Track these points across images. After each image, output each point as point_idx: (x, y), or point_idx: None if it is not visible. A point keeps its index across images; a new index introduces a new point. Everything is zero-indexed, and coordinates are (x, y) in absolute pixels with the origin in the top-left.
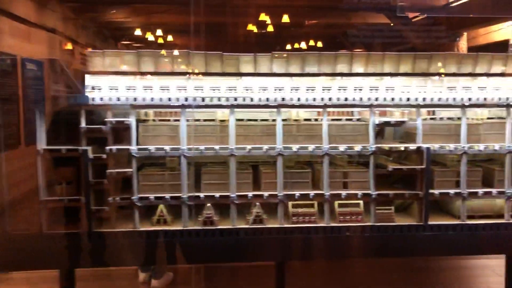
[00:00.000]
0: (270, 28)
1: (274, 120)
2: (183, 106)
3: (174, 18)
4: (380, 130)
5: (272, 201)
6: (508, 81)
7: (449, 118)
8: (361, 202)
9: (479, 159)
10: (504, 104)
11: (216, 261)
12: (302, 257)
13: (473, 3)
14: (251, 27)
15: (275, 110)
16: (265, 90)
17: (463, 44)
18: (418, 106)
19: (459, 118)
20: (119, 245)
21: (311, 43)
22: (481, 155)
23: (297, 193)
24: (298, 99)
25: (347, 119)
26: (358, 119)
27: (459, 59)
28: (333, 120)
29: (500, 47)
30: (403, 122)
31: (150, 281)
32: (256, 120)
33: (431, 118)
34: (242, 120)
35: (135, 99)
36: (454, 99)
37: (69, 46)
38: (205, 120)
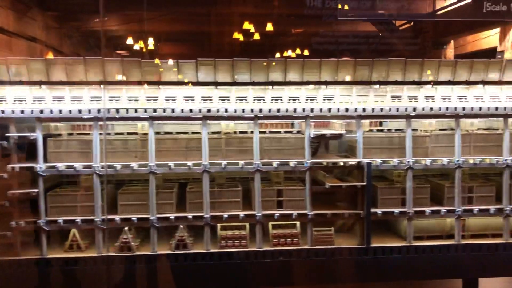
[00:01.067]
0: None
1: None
2: (95, 119)
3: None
4: (326, 143)
5: (198, 223)
6: (458, 90)
7: (397, 130)
8: (297, 223)
9: (432, 174)
10: (453, 114)
11: None
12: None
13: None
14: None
15: (200, 122)
16: (190, 100)
17: (450, 51)
18: (358, 117)
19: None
20: (23, 275)
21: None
22: (433, 170)
23: (225, 214)
24: (226, 110)
25: (285, 132)
26: (298, 132)
27: (404, 65)
28: (271, 132)
29: (487, 54)
30: (340, 135)
31: None
32: (187, 133)
33: (378, 130)
34: (170, 133)
35: (41, 112)
36: (398, 109)
37: None
38: (128, 134)
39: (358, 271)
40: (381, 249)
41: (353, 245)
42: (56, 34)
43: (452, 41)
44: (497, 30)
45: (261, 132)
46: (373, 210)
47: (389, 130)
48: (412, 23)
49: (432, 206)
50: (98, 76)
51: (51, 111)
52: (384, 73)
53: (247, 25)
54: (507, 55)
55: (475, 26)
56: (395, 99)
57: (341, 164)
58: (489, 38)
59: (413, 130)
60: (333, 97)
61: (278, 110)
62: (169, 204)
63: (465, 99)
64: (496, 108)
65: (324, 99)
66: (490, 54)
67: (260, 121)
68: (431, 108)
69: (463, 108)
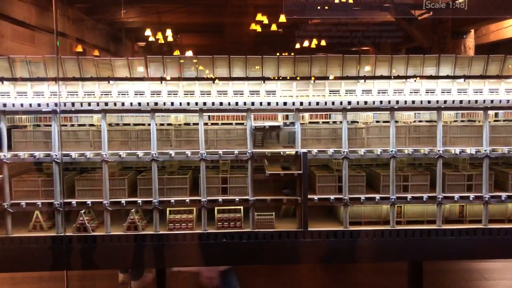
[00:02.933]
0: None
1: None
2: (53, 112)
3: None
4: (277, 134)
5: (148, 207)
6: (394, 84)
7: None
8: (241, 208)
9: (376, 164)
10: (388, 107)
11: (85, 268)
12: (176, 264)
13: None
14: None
15: (149, 114)
16: (141, 94)
17: (470, 41)
18: (297, 111)
19: (353, 122)
20: None
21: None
22: (381, 159)
23: (173, 199)
24: (172, 104)
25: (236, 124)
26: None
27: (341, 61)
28: (223, 124)
29: (510, 43)
30: (277, 126)
31: (130, 282)
32: (143, 124)
33: (324, 122)
34: (128, 124)
35: (4, 105)
36: (333, 103)
37: None
38: (90, 125)
39: (296, 253)
40: (317, 232)
41: (293, 229)
42: (79, 27)
43: (472, 30)
44: None
45: (213, 124)
46: (310, 196)
47: (334, 122)
48: (431, 13)
49: (368, 193)
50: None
51: (13, 105)
52: (323, 69)
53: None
54: None
55: (495, 15)
56: (334, 93)
57: (281, 153)
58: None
59: (354, 122)
60: (275, 91)
61: (221, 104)
62: (121, 190)
63: (402, 93)
64: (429, 102)
65: (267, 94)
66: None
67: (218, 114)
68: (366, 102)
69: (397, 102)
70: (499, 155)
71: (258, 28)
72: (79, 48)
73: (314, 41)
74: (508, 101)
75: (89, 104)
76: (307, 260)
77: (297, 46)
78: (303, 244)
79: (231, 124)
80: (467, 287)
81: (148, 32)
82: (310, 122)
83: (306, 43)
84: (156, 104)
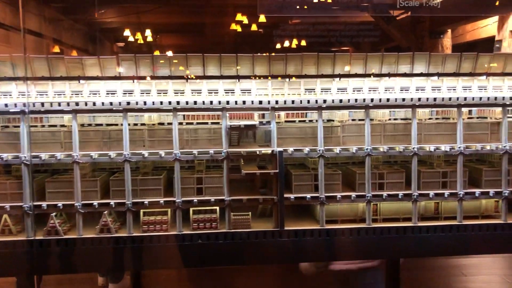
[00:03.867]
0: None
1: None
2: (21, 112)
3: None
4: (253, 133)
5: (121, 209)
6: (369, 82)
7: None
8: (217, 208)
9: (353, 162)
10: (363, 105)
11: (56, 272)
12: (151, 267)
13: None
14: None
15: (121, 114)
16: (112, 94)
17: (447, 41)
18: (272, 109)
19: (329, 121)
20: None
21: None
22: (358, 157)
23: (146, 200)
24: (145, 103)
25: (212, 123)
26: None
27: (316, 60)
28: (198, 124)
29: (486, 43)
30: (253, 125)
31: (108, 285)
32: (116, 124)
33: (300, 121)
34: (101, 125)
35: None
36: (309, 101)
37: None
38: (61, 126)
39: (272, 253)
40: (294, 232)
41: (269, 228)
42: (56, 27)
43: (449, 30)
44: (496, 19)
45: (188, 124)
46: (287, 195)
47: (310, 121)
48: (409, 13)
49: (345, 192)
50: (31, 73)
51: None
52: (298, 67)
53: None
54: (505, 44)
55: (471, 15)
56: (310, 91)
57: (257, 153)
58: (488, 27)
59: (330, 120)
60: (250, 90)
61: (195, 103)
62: (93, 192)
63: (376, 91)
64: (403, 99)
65: (242, 92)
66: (489, 43)
67: (193, 113)
68: (341, 100)
69: (372, 100)
70: (473, 152)
71: (239, 28)
72: (56, 49)
73: (295, 41)
74: (480, 98)
75: (59, 104)
76: (284, 260)
77: (278, 46)
78: (280, 243)
79: (206, 123)
80: (446, 283)
81: (127, 33)
82: (286, 121)
83: (286, 43)
84: (128, 103)
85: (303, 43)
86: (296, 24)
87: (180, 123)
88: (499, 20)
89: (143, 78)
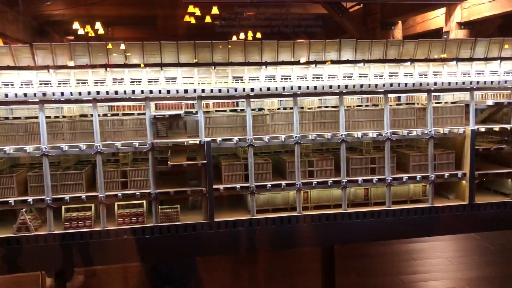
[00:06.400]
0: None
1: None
2: None
3: None
4: (184, 124)
5: (40, 206)
6: (297, 70)
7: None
8: (144, 202)
9: (285, 150)
10: (291, 93)
11: None
12: (73, 266)
13: None
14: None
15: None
16: (26, 85)
17: (398, 32)
18: (199, 98)
19: (260, 109)
20: None
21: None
22: (290, 146)
23: (67, 196)
24: (62, 94)
25: (139, 114)
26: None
27: (243, 47)
28: (124, 115)
29: (434, 35)
30: (178, 115)
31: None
32: (36, 117)
33: (231, 110)
34: (19, 118)
35: None
36: (236, 89)
37: None
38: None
39: (202, 245)
40: (224, 223)
41: (200, 220)
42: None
43: (399, 22)
44: (443, 11)
45: (113, 115)
46: (216, 186)
47: (242, 110)
48: (361, 5)
49: (276, 180)
50: None
51: None
52: (226, 55)
53: None
54: (452, 35)
55: (419, 7)
56: (237, 80)
57: (184, 143)
58: (436, 19)
59: (261, 109)
60: (175, 79)
61: (116, 93)
62: (9, 189)
63: (305, 78)
64: (331, 87)
65: (167, 81)
66: (437, 34)
67: (120, 104)
68: (268, 88)
69: (299, 88)
70: (400, 137)
71: (192, 20)
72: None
73: (250, 34)
74: (406, 84)
75: None
76: (215, 252)
77: (234, 38)
78: (210, 235)
79: (133, 114)
80: (396, 268)
81: (77, 25)
82: (217, 110)
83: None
84: (44, 94)
85: (258, 35)
86: (249, 16)
87: (105, 115)
88: (446, 12)
89: (60, 67)
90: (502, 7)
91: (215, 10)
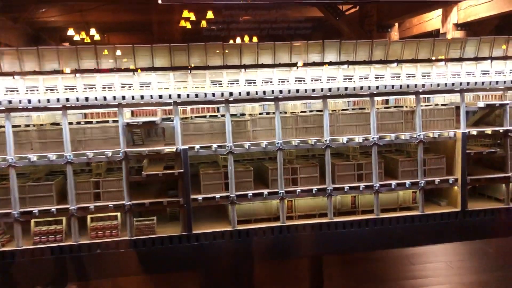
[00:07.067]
0: None
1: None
2: None
3: None
4: (163, 131)
5: (7, 220)
6: (278, 73)
7: (233, 115)
8: (118, 214)
9: (269, 157)
10: (272, 98)
11: None
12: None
13: None
14: None
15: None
16: None
17: (394, 34)
18: (175, 104)
19: (242, 115)
20: None
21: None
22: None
23: (36, 209)
24: (29, 101)
25: (114, 121)
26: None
27: (222, 50)
28: (98, 122)
29: (431, 36)
30: (152, 122)
31: None
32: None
33: (211, 116)
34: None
35: None
36: (214, 94)
37: None
38: None
39: (180, 259)
40: (203, 235)
41: (176, 233)
42: None
43: (396, 24)
44: (440, 12)
45: (87, 123)
46: (194, 196)
47: (223, 115)
48: (357, 8)
49: (259, 189)
50: None
51: None
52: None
53: None
54: (449, 37)
55: (415, 8)
56: (215, 84)
57: (160, 152)
58: (433, 20)
59: (242, 115)
60: (150, 84)
61: (87, 99)
62: None
63: (287, 82)
64: (313, 90)
65: (141, 86)
66: (434, 36)
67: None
68: (248, 93)
69: (281, 91)
70: (388, 142)
71: (188, 25)
72: None
73: (246, 38)
74: (393, 86)
75: None
76: (194, 266)
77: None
78: (187, 248)
79: (107, 121)
80: (396, 273)
81: (73, 32)
82: (197, 116)
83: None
84: (10, 102)
85: (255, 39)
86: (246, 21)
87: (79, 123)
88: (442, 14)
89: (28, 73)
90: (499, 8)
91: (210, 15)
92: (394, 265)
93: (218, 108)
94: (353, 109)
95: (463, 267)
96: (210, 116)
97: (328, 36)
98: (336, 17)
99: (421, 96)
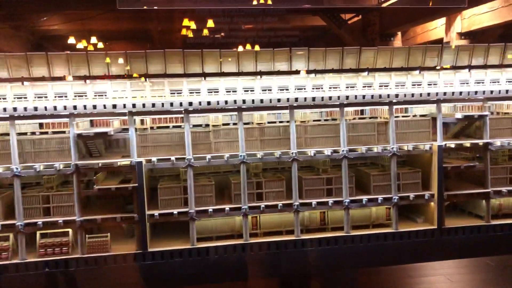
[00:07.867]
0: None
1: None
2: None
3: None
4: (124, 142)
5: None
6: (243, 81)
7: (196, 126)
8: (69, 230)
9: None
10: (235, 107)
11: None
12: None
13: None
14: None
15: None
16: None
17: (397, 43)
18: (130, 114)
19: (207, 125)
20: None
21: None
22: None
23: None
24: None
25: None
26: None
27: (182, 58)
28: (54, 133)
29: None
30: (105, 133)
31: None
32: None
33: (174, 126)
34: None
35: None
36: (172, 104)
37: None
38: None
39: (134, 279)
40: (160, 253)
41: (132, 251)
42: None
43: (399, 33)
44: (443, 21)
45: (42, 133)
46: (151, 212)
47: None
48: (360, 17)
49: (221, 204)
50: None
51: None
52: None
53: None
54: (453, 45)
55: (418, 17)
56: (174, 93)
57: (113, 165)
58: (436, 29)
59: (207, 125)
60: (105, 92)
61: (36, 109)
62: None
63: (251, 91)
64: (279, 100)
65: (94, 95)
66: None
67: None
68: (209, 102)
69: (244, 101)
70: (358, 155)
71: (190, 34)
72: None
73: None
74: (363, 96)
75: None
76: (148, 286)
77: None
78: (145, 267)
79: (63, 132)
80: (394, 286)
81: (74, 40)
82: (158, 127)
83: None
84: None
85: (257, 47)
86: (249, 29)
87: (34, 133)
88: (446, 23)
89: None
90: (502, 17)
91: (210, 24)
92: (391, 278)
93: (181, 118)
94: (325, 120)
95: (462, 280)
96: (174, 126)
97: (330, 46)
98: (338, 26)
99: (398, 106)
